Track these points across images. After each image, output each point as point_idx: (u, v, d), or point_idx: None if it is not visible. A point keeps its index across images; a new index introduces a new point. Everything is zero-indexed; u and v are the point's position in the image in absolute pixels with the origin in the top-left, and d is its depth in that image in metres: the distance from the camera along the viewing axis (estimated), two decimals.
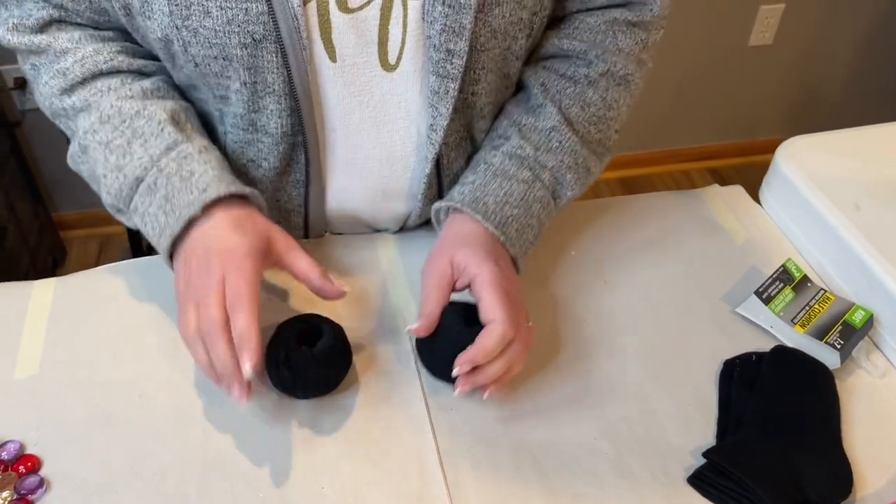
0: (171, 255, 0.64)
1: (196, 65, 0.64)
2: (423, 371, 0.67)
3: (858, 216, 0.76)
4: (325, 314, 0.66)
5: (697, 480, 0.60)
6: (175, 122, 0.66)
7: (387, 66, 0.65)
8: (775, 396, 0.64)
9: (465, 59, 0.64)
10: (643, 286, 0.76)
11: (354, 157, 0.71)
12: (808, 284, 0.74)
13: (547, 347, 0.70)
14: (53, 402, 0.64)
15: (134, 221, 0.66)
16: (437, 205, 0.70)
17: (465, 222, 0.67)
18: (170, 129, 0.65)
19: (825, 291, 0.74)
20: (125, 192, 0.64)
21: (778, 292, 0.73)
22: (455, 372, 0.60)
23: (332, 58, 0.64)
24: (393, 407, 0.65)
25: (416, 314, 0.72)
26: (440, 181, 0.74)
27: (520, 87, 0.74)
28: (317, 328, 0.64)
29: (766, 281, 0.73)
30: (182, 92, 0.72)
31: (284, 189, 0.73)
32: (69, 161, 0.70)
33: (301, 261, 0.63)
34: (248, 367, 0.55)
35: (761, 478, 0.58)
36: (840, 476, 0.60)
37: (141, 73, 0.69)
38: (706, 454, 0.61)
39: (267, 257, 0.62)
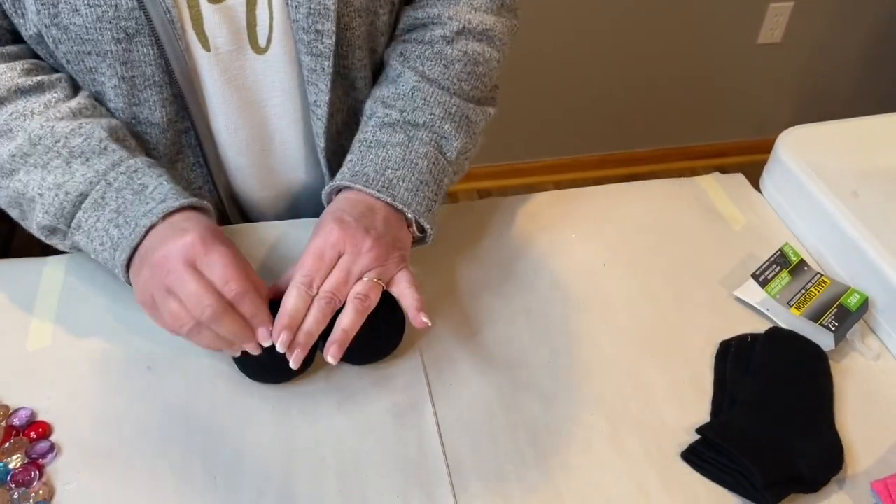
0: (128, 268, 0.62)
1: (68, 62, 0.65)
2: (424, 346, 0.69)
3: (856, 203, 0.77)
4: None
5: (691, 455, 0.62)
6: (117, 139, 0.65)
7: (258, 50, 0.68)
8: (770, 376, 0.66)
9: (334, 38, 0.67)
10: (641, 269, 0.78)
11: (239, 137, 0.74)
12: (805, 268, 0.76)
13: (544, 326, 0.71)
14: (65, 372, 0.66)
15: (74, 240, 0.65)
16: (324, 190, 0.70)
17: (339, 199, 0.67)
18: (113, 146, 0.64)
19: (821, 275, 0.75)
20: (67, 209, 0.63)
21: (775, 275, 0.74)
22: (292, 357, 0.59)
23: (206, 47, 0.67)
24: (393, 381, 0.66)
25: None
26: (334, 157, 0.76)
27: (383, 67, 0.76)
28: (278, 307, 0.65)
29: (764, 264, 0.75)
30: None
31: (182, 175, 0.75)
32: None
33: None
34: (235, 289, 0.57)
35: (753, 453, 0.59)
36: (831, 454, 0.61)
37: (52, 87, 0.67)
38: (700, 430, 0.62)
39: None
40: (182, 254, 0.57)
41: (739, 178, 0.90)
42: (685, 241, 0.81)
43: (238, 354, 0.61)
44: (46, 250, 0.74)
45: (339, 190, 0.68)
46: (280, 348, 0.59)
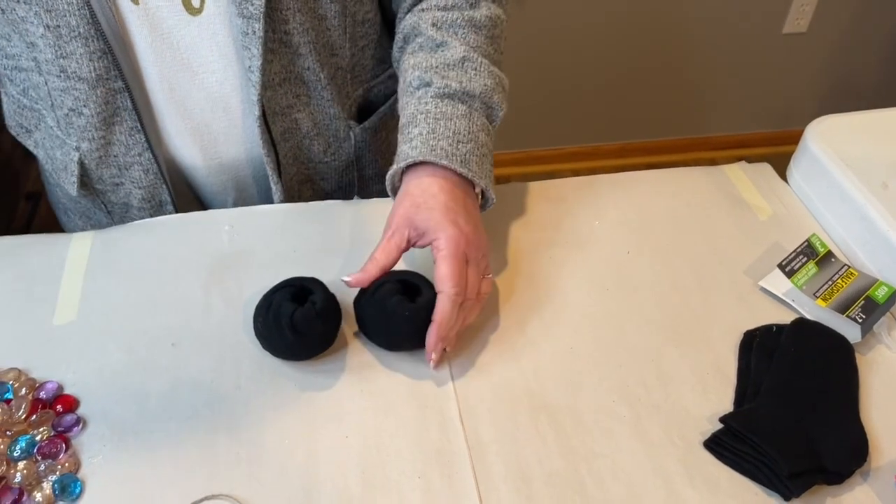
0: None
1: (2, 10, 0.65)
2: None
3: (886, 195, 0.76)
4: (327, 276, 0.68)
5: (714, 445, 0.61)
6: None
7: (191, 10, 0.67)
8: (794, 366, 0.65)
9: None
10: (666, 257, 0.77)
11: (175, 100, 0.72)
12: (832, 260, 0.75)
13: (568, 313, 0.71)
14: (91, 347, 0.66)
15: None
16: (392, 169, 0.68)
17: (422, 176, 0.66)
18: None
19: (849, 267, 0.74)
20: None
21: (801, 266, 0.73)
22: (432, 358, 0.64)
23: (134, 0, 0.65)
24: (415, 363, 0.66)
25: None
26: (268, 125, 0.75)
27: (409, 37, 0.75)
28: (302, 288, 0.65)
29: (790, 255, 0.74)
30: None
31: (119, 140, 0.74)
32: None
33: None
34: None
35: (777, 443, 0.59)
36: (856, 446, 0.61)
37: None
38: (723, 419, 0.62)
39: None
40: None
41: (766, 168, 0.89)
42: (710, 230, 0.80)
43: None
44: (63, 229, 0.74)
45: (413, 164, 0.67)
46: (435, 357, 0.64)
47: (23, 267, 0.73)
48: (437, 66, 0.70)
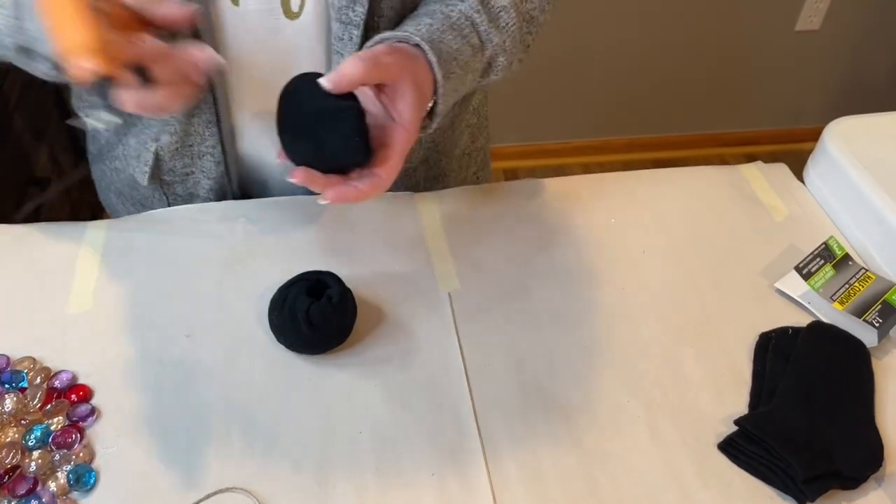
0: None
1: None
2: (461, 324, 0.69)
3: None
4: (348, 271, 0.68)
5: (728, 447, 0.61)
6: None
7: (290, 14, 0.67)
8: (810, 370, 0.65)
9: (367, 6, 0.65)
10: (681, 257, 0.77)
11: (262, 100, 0.72)
12: (850, 263, 0.74)
13: (583, 311, 0.71)
14: (105, 337, 0.66)
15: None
16: (388, 34, 0.64)
17: (422, 67, 0.62)
18: None
19: (866, 270, 0.74)
20: None
21: (818, 269, 0.73)
22: (324, 197, 0.56)
23: (235, 1, 0.65)
24: (430, 360, 0.66)
25: (452, 275, 0.73)
26: None
27: None
28: (318, 282, 0.65)
29: (807, 257, 0.73)
30: None
31: (196, 131, 0.74)
32: None
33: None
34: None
35: (792, 447, 0.59)
36: (871, 450, 0.61)
37: None
38: (738, 421, 0.62)
39: None
40: None
41: (782, 168, 0.88)
42: (726, 230, 0.80)
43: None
44: (75, 216, 0.74)
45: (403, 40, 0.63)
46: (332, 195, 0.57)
47: (37, 255, 0.72)
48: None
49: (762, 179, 0.86)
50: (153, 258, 0.73)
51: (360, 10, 0.66)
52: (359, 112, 0.56)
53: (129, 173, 0.80)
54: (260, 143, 0.77)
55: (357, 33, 0.67)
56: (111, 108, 0.54)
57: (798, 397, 0.63)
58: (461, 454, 0.60)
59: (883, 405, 0.65)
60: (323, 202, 0.57)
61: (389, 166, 0.58)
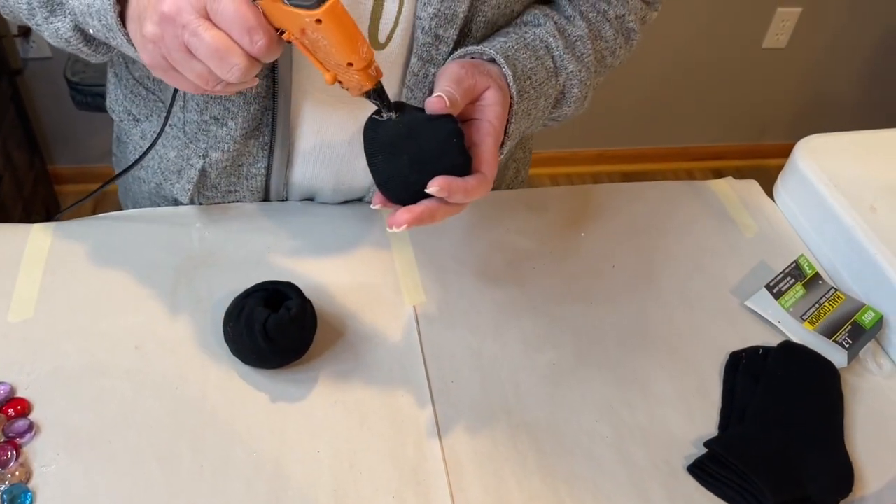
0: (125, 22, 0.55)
1: None
2: (426, 342, 0.66)
3: (874, 218, 0.75)
4: (317, 284, 0.65)
5: (698, 470, 0.60)
6: None
7: (376, 45, 0.64)
8: (781, 391, 0.64)
9: (452, 46, 0.63)
10: (651, 272, 0.75)
11: (324, 127, 0.70)
12: (820, 282, 0.74)
13: (550, 327, 0.69)
14: (47, 347, 0.62)
15: (67, 8, 0.59)
16: (461, 51, 0.63)
17: (491, 70, 0.60)
18: None
19: (836, 290, 0.73)
20: None
21: (789, 288, 0.72)
22: (432, 189, 0.52)
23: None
24: (393, 377, 0.64)
25: (417, 287, 0.71)
26: None
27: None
28: (276, 292, 0.62)
29: (778, 276, 0.73)
30: None
31: (250, 152, 0.71)
32: None
33: None
34: (261, 42, 0.48)
35: (762, 470, 0.58)
36: (842, 474, 0.60)
37: None
38: (708, 444, 0.60)
39: None
40: (189, 3, 0.49)
41: (753, 185, 0.88)
42: (697, 246, 0.79)
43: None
44: (28, 216, 0.70)
45: (475, 54, 0.62)
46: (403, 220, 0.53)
47: None
48: (558, 22, 0.66)
49: (732, 195, 0.86)
50: (102, 264, 0.69)
51: (445, 49, 0.63)
52: (452, 117, 0.54)
53: (156, 184, 0.77)
54: (314, 171, 0.74)
55: (434, 72, 0.64)
56: (389, 105, 0.54)
57: (768, 420, 0.62)
58: (424, 475, 0.58)
59: (851, 428, 0.64)
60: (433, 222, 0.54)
61: (487, 161, 0.55)
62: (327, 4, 0.47)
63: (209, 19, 0.48)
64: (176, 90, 0.63)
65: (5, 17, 0.65)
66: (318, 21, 0.48)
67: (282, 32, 0.50)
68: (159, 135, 0.67)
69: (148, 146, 0.68)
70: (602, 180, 2.33)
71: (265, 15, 0.48)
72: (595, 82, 0.71)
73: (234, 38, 0.49)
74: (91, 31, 0.58)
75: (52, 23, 0.60)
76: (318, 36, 0.49)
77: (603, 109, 2.26)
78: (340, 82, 0.52)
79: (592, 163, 2.36)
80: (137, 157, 0.76)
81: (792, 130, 2.42)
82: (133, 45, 0.55)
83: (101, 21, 0.56)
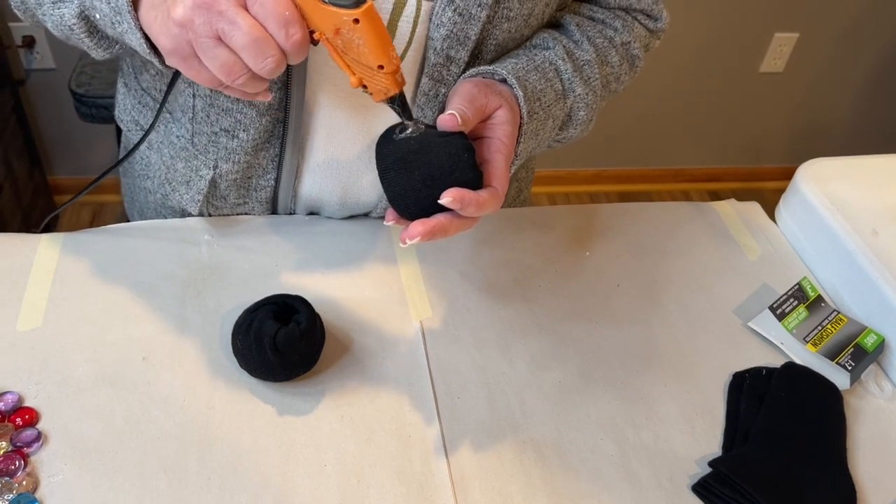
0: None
1: None
2: (432, 357, 0.67)
3: (876, 241, 0.76)
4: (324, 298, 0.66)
5: (702, 489, 0.60)
6: None
7: None
8: (784, 412, 0.64)
9: (462, 67, 0.64)
10: (655, 292, 0.76)
11: (334, 140, 0.70)
12: (822, 304, 0.74)
13: (556, 345, 0.69)
14: (55, 356, 0.62)
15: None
16: (473, 70, 0.63)
17: (502, 90, 0.61)
18: None
19: (838, 312, 0.74)
20: None
21: (792, 309, 0.72)
22: (445, 199, 0.52)
23: None
24: (400, 391, 0.64)
25: (424, 302, 0.71)
26: None
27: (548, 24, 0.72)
28: (285, 306, 0.63)
29: (781, 297, 0.73)
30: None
31: (260, 164, 0.72)
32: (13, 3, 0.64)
33: None
34: (296, 36, 0.48)
35: (766, 490, 0.58)
36: (844, 496, 0.60)
37: None
38: (712, 464, 0.61)
39: None
40: None
41: (755, 207, 0.89)
42: (700, 267, 0.79)
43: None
44: (27, 226, 0.70)
45: (484, 73, 0.62)
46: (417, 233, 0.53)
47: None
48: (567, 47, 0.67)
49: (736, 217, 0.86)
50: (111, 275, 0.69)
51: (456, 70, 0.64)
52: (463, 134, 0.55)
53: (162, 195, 0.77)
54: (322, 185, 0.74)
55: (444, 91, 0.65)
56: (409, 113, 0.55)
57: (772, 440, 0.62)
58: (430, 491, 0.58)
59: (854, 450, 0.64)
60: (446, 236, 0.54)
61: (498, 176, 0.56)
62: (366, 5, 0.48)
63: (246, 9, 0.48)
64: (171, 83, 0.63)
65: (17, 12, 0.66)
66: (356, 21, 0.48)
67: (312, 32, 0.50)
68: (151, 126, 0.66)
69: (148, 147, 0.68)
70: (599, 200, 2.34)
71: (300, 13, 0.49)
72: (599, 106, 0.72)
73: (269, 30, 0.48)
74: (97, 16, 0.57)
75: (58, 8, 0.60)
76: (354, 36, 0.49)
77: (601, 130, 2.27)
78: (364, 86, 0.53)
79: (590, 182, 2.38)
80: (143, 167, 0.77)
81: (789, 154, 2.44)
82: (138, 32, 0.54)
83: (109, 3, 0.55)
